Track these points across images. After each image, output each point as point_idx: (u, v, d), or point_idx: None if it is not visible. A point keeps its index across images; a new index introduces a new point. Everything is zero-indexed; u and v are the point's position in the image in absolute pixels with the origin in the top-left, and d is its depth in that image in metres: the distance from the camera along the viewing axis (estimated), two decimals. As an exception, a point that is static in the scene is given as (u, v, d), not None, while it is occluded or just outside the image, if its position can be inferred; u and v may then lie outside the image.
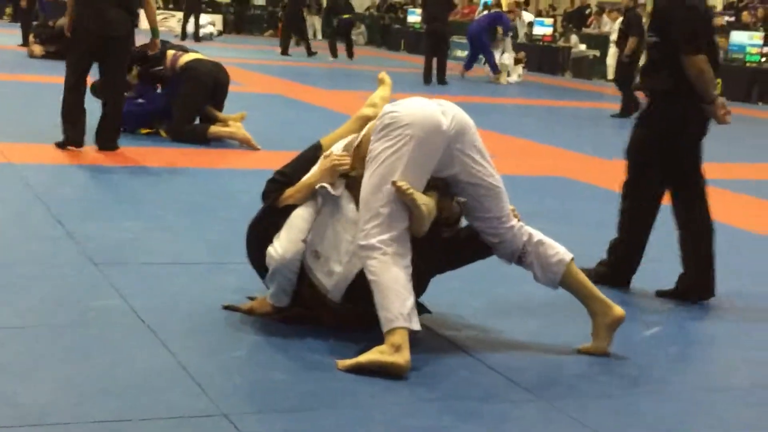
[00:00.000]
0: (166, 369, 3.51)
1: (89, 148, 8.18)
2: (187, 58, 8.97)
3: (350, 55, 23.20)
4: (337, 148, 4.06)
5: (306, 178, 4.03)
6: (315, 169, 4.03)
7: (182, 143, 8.72)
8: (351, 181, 3.95)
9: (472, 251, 4.18)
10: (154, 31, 8.37)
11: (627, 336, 4.07)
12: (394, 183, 3.70)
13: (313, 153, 4.15)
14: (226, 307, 4.17)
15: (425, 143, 3.77)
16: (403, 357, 3.57)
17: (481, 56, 20.37)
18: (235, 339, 3.87)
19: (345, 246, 3.87)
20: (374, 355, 3.58)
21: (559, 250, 3.99)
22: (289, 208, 3.99)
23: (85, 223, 5.56)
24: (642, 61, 12.80)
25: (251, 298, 4.24)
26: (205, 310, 4.17)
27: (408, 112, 3.82)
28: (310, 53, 23.26)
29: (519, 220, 4.04)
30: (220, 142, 8.92)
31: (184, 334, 3.88)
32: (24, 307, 4.07)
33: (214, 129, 8.90)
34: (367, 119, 4.20)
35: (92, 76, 8.25)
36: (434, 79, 17.64)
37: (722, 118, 5.00)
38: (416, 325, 3.64)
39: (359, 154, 3.95)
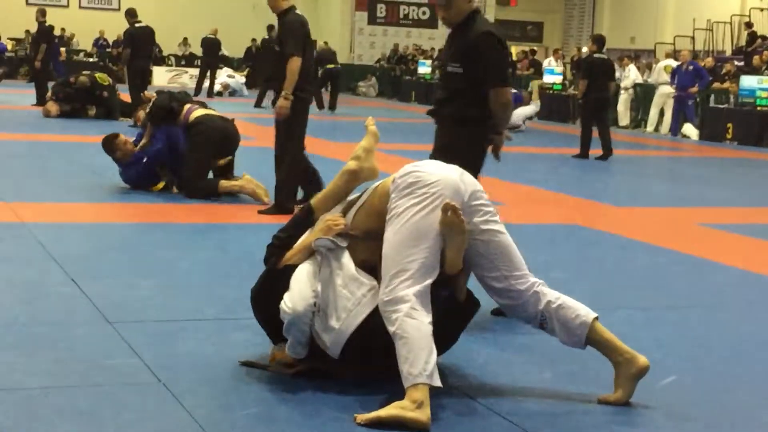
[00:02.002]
0: (182, 427, 3.48)
1: (104, 205, 8.20)
2: (197, 113, 9.03)
3: (332, 106, 23.15)
4: (335, 211, 4.12)
5: (303, 239, 4.10)
6: (311, 232, 4.08)
7: (195, 200, 8.73)
8: (351, 240, 3.99)
9: (459, 317, 4.18)
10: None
11: (642, 385, 4.01)
12: (447, 204, 3.74)
13: (306, 216, 4.19)
14: (244, 363, 4.15)
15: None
16: (424, 414, 3.53)
17: None
18: (252, 395, 3.84)
19: (343, 302, 3.88)
20: (395, 410, 3.55)
21: (581, 312, 3.97)
22: (291, 269, 4.02)
23: (98, 281, 5.56)
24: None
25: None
26: (221, 366, 4.14)
27: (432, 171, 3.90)
28: (321, 107, 23.45)
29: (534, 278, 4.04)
30: (232, 197, 8.92)
31: (199, 391, 3.85)
32: (38, 367, 4.05)
33: (225, 183, 8.92)
34: (352, 173, 4.22)
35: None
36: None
37: (500, 149, 5.34)
38: (438, 382, 3.62)
39: (367, 213, 4.02)
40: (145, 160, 9.03)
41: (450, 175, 3.93)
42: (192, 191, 8.86)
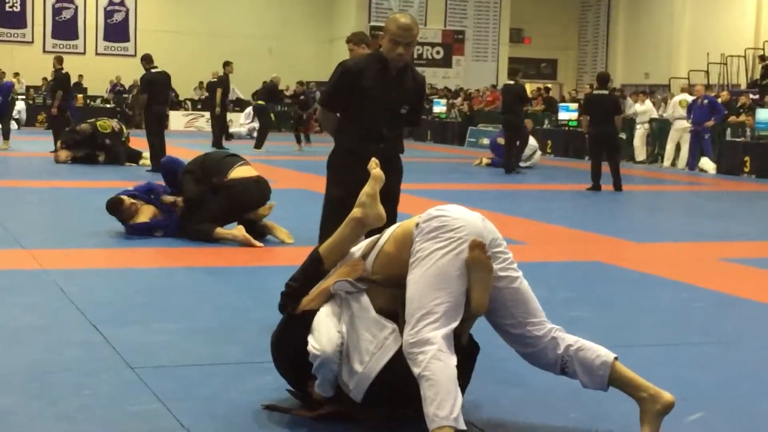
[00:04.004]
0: (206, 473, 3.46)
1: (123, 250, 8.22)
2: (234, 174, 8.99)
3: (257, 144, 23.38)
4: (355, 255, 4.14)
5: (321, 283, 4.11)
6: (329, 277, 4.09)
7: (190, 240, 8.78)
8: (370, 285, 3.99)
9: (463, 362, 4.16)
10: None
11: (669, 422, 3.97)
12: (474, 241, 3.75)
13: (315, 266, 4.20)
14: (267, 407, 4.13)
15: None
16: None
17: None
18: (275, 440, 3.82)
19: (366, 345, 3.87)
20: (420, 452, 3.53)
21: (600, 352, 3.96)
22: (311, 315, 4.02)
23: (120, 327, 5.56)
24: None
25: (290, 391, 4.20)
26: (243, 410, 4.13)
27: (457, 216, 3.91)
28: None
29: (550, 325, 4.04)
30: (258, 239, 8.89)
31: (222, 437, 3.84)
32: (61, 415, 4.04)
33: (221, 231, 8.87)
34: (358, 221, 4.24)
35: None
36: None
37: None
38: (463, 426, 3.60)
39: (385, 258, 4.02)
40: (149, 227, 9.05)
41: (474, 220, 3.94)
42: (189, 231, 8.90)
